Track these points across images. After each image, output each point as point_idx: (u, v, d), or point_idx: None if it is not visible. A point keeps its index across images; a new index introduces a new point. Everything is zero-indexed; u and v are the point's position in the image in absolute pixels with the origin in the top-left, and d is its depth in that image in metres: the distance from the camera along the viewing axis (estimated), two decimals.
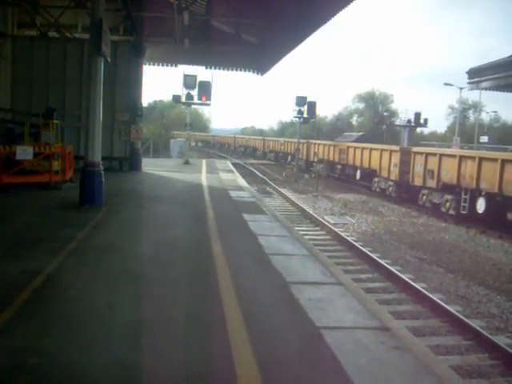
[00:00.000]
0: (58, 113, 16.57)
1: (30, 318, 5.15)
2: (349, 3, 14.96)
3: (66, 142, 17.87)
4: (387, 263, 11.63)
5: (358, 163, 29.58)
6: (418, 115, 45.00)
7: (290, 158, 44.76)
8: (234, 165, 34.54)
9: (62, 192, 14.53)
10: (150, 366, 4.25)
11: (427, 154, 22.30)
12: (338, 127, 73.73)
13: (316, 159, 37.04)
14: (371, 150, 28.02)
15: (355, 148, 30.28)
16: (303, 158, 39.96)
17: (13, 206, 12.15)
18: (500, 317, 9.03)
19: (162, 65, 28.66)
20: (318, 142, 40.03)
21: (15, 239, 8.62)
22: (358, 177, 29.87)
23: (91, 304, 5.67)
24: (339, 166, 33.16)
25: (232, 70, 28.98)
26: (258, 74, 29.80)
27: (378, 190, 26.66)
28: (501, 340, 7.48)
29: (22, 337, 4.67)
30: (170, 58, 28.36)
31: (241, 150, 64.40)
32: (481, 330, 7.73)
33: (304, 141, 40.82)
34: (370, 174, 28.03)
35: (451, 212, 19.80)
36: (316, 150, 37.78)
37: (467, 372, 6.64)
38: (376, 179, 26.98)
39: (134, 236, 9.58)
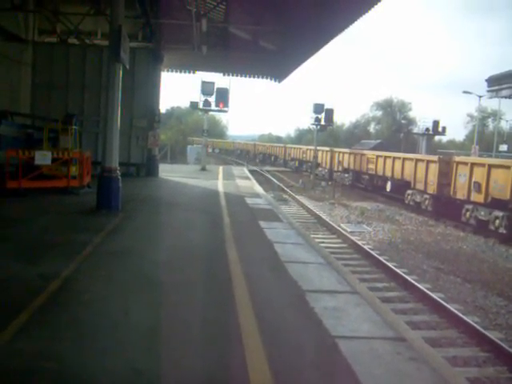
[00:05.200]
0: (77, 118, 16.74)
1: (46, 321, 5.17)
2: (366, 11, 14.96)
3: (84, 147, 18.07)
4: (404, 272, 11.51)
5: (388, 174, 27.31)
6: (436, 123, 44.74)
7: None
8: (251, 172, 34.53)
9: (79, 197, 14.63)
10: (164, 370, 4.25)
11: (473, 164, 19.90)
12: (355, 135, 73.60)
13: (341, 168, 35.35)
14: (404, 159, 25.83)
15: (385, 157, 28.11)
16: (326, 166, 38.52)
17: (31, 211, 12.25)
18: None
19: (180, 71, 28.96)
20: (343, 150, 37.82)
21: (32, 243, 8.68)
22: (388, 188, 27.50)
23: (106, 309, 5.68)
24: (366, 177, 31.01)
25: (249, 76, 29.17)
26: (275, 81, 29.92)
27: (411, 203, 24.23)
28: None
29: (38, 340, 4.69)
30: (188, 65, 28.60)
31: (260, 157, 63.00)
32: (499, 342, 7.60)
33: (327, 149, 39.46)
34: (402, 185, 25.62)
35: (502, 231, 17.53)
36: (340, 159, 35.78)
37: None
38: (410, 192, 24.52)
39: (149, 241, 9.60)
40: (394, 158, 26.91)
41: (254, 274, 7.44)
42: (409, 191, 24.64)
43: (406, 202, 24.75)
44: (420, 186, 23.45)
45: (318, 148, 38.64)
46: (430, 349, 5.41)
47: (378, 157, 29.11)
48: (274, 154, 57.98)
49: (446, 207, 21.55)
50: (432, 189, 22.33)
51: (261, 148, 65.93)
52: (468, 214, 19.69)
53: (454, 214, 20.70)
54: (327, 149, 39.30)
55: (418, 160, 24.33)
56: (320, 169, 39.24)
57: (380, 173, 28.47)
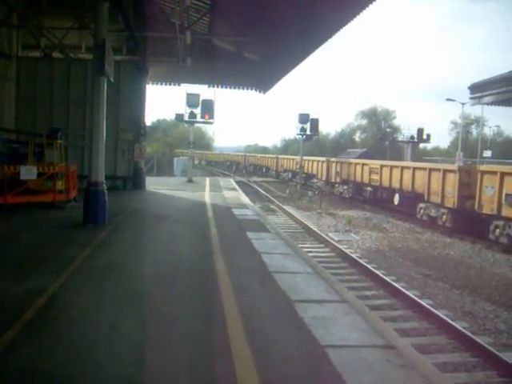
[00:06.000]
0: (62, 133, 16.68)
1: (33, 338, 5.12)
2: (349, 21, 15.11)
3: (69, 161, 17.98)
4: (392, 280, 11.56)
5: (395, 185, 24.85)
6: (420, 131, 45.23)
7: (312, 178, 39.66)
8: (238, 183, 34.55)
9: (65, 211, 14.55)
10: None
11: (504, 174, 17.32)
12: (341, 144, 74.07)
13: (339, 179, 33.13)
14: (415, 169, 23.35)
15: (392, 167, 25.67)
16: (322, 178, 36.39)
17: (17, 226, 12.16)
18: (507, 333, 8.92)
19: (165, 84, 29.00)
20: (342, 160, 34.91)
21: (19, 259, 8.60)
22: (396, 201, 25.14)
23: (94, 324, 5.64)
24: (369, 188, 28.46)
25: (234, 88, 29.24)
26: (260, 92, 30.05)
27: (425, 218, 21.86)
28: (509, 357, 7.36)
29: (26, 358, 4.64)
30: (173, 77, 28.65)
31: (251, 169, 61.87)
32: (488, 347, 7.64)
33: (323, 159, 37.51)
34: (413, 198, 23.21)
35: None
36: (338, 169, 33.26)
37: None
38: (422, 205, 22.14)
39: (137, 255, 9.56)
40: (403, 168, 24.61)
41: (242, 285, 7.43)
42: (421, 205, 22.25)
43: (418, 216, 22.37)
44: (435, 199, 21.05)
45: (313, 158, 38.13)
46: (420, 355, 5.43)
47: (382, 167, 26.76)
48: (266, 165, 56.51)
49: (468, 223, 19.24)
50: (451, 202, 19.94)
51: (252, 159, 64.74)
52: (498, 231, 17.35)
53: (478, 230, 18.48)
54: (323, 159, 37.41)
55: (432, 170, 21.90)
56: (315, 180, 37.79)
57: (386, 184, 26.02)
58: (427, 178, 21.75)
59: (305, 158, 41.03)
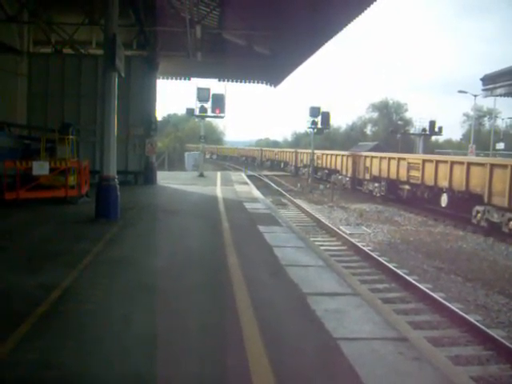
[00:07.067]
0: (74, 128, 16.76)
1: (47, 332, 5.16)
2: (360, 13, 15.04)
3: (81, 156, 18.10)
4: (404, 273, 11.51)
5: (442, 183, 21.35)
6: (432, 123, 44.82)
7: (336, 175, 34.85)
8: (249, 177, 34.54)
9: (77, 206, 14.63)
10: (166, 376, 4.27)
11: None
12: (352, 137, 73.64)
13: (368, 176, 29.47)
14: (470, 164, 19.74)
15: (437, 162, 22.13)
16: (348, 174, 32.72)
17: (29, 221, 12.25)
18: None
19: (176, 78, 29.07)
20: (372, 154, 30.40)
21: (32, 253, 8.66)
22: (443, 203, 21.47)
23: (108, 318, 5.68)
24: (407, 187, 24.88)
25: (245, 82, 29.23)
26: (271, 85, 30.01)
27: (483, 223, 18.35)
28: None
29: (39, 351, 4.68)
30: (183, 72, 28.69)
31: (268, 164, 58.35)
32: (502, 340, 7.59)
33: (347, 153, 34.30)
34: (467, 199, 19.80)
35: None
36: (368, 165, 29.45)
37: (488, 383, 6.52)
38: (480, 208, 18.59)
39: (149, 249, 9.60)
40: (453, 163, 20.92)
41: (254, 278, 7.44)
42: (479, 207, 18.76)
43: (474, 221, 18.90)
44: (499, 201, 17.64)
45: (336, 152, 35.89)
46: (433, 348, 5.40)
47: (425, 162, 23.24)
48: (284, 160, 52.40)
49: None
50: None
51: (268, 154, 60.97)
52: None
53: None
54: (347, 153, 33.97)
55: (494, 166, 18.37)
56: (340, 177, 33.98)
57: (429, 182, 22.55)
58: (488, 175, 18.28)
59: (326, 152, 38.85)
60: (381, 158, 28.15)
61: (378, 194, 27.78)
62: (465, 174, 19.70)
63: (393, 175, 26.20)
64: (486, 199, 18.28)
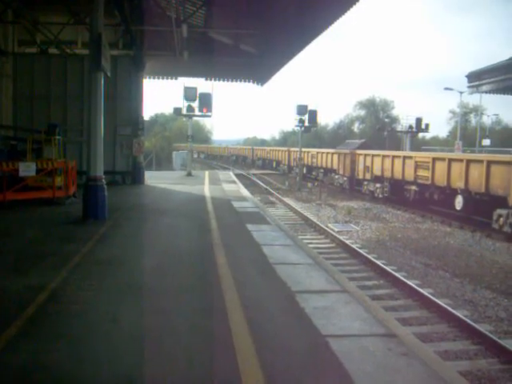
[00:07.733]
0: (60, 128, 16.65)
1: (35, 333, 5.13)
2: (346, 11, 15.08)
3: (68, 157, 17.96)
4: (393, 269, 11.58)
5: (457, 184, 19.35)
6: (419, 120, 45.13)
7: (333, 174, 33.69)
8: (237, 176, 34.54)
9: (65, 207, 14.55)
10: (155, 376, 4.26)
11: None
12: (339, 135, 73.90)
13: (369, 176, 27.54)
14: (489, 163, 17.73)
15: (450, 160, 20.14)
16: (345, 173, 31.10)
17: (17, 223, 12.17)
18: (508, 320, 8.94)
19: (163, 78, 28.91)
20: (374, 152, 28.27)
21: (20, 255, 8.60)
22: (458, 206, 19.52)
23: (95, 319, 5.65)
24: (414, 187, 22.92)
25: (232, 81, 29.18)
26: (257, 84, 29.99)
27: (506, 228, 16.58)
28: (510, 344, 7.39)
29: (27, 353, 4.66)
30: (170, 71, 28.56)
31: (259, 163, 56.77)
32: (489, 335, 7.66)
33: (346, 151, 32.33)
34: (485, 202, 18.06)
35: None
36: (369, 164, 27.45)
37: (477, 377, 6.57)
38: (502, 212, 16.82)
39: (138, 249, 9.57)
40: (469, 162, 18.89)
41: (243, 276, 7.44)
42: (500, 211, 17.02)
43: (496, 226, 17.12)
44: None
45: (333, 151, 34.84)
46: (421, 344, 5.44)
47: (436, 160, 21.30)
48: (277, 159, 50.50)
49: None
50: None
51: (260, 153, 59.03)
52: None
53: None
54: (346, 151, 32.13)
55: None
56: (336, 176, 32.70)
57: (440, 183, 20.63)
58: (509, 174, 16.68)
59: (322, 150, 37.70)
60: (383, 156, 26.09)
61: (381, 196, 26.02)
62: (484, 174, 17.77)
63: (397, 175, 24.26)
64: (510, 202, 16.59)
